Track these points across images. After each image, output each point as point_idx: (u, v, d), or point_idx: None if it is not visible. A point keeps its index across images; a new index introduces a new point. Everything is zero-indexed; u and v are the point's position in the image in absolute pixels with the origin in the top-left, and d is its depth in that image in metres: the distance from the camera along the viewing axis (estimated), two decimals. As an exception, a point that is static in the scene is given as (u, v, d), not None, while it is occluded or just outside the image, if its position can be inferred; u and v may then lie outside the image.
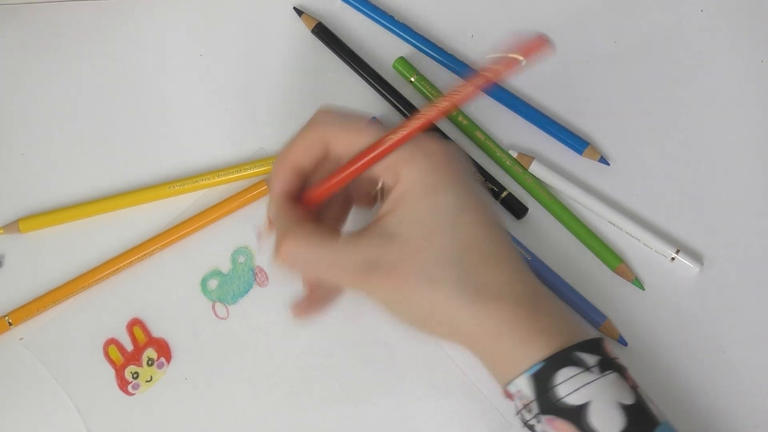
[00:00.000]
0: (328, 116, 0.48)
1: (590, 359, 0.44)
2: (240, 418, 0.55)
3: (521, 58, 0.39)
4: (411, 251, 0.45)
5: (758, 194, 0.57)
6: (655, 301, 0.55)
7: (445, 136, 0.58)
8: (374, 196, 0.50)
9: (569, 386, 0.43)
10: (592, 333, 0.47)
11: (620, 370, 0.45)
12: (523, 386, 0.44)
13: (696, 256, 0.56)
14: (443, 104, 0.43)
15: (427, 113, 0.44)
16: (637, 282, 0.55)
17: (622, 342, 0.54)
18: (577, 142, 0.57)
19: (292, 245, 0.46)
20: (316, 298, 0.50)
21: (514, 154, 0.57)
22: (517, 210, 0.57)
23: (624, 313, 0.55)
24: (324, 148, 0.48)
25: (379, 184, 0.48)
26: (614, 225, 0.56)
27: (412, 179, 0.45)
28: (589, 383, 0.43)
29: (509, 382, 0.45)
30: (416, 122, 0.44)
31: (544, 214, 0.57)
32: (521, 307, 0.45)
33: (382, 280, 0.45)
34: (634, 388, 0.45)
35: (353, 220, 0.52)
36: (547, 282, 0.55)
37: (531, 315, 0.45)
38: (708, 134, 0.58)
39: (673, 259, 0.55)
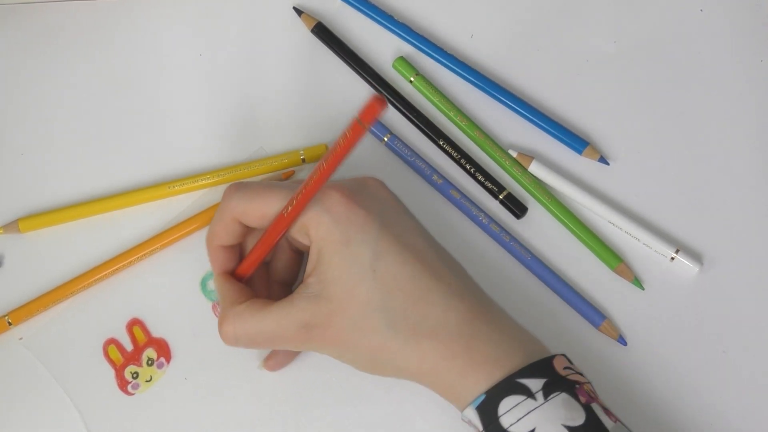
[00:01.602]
0: (236, 194, 0.49)
1: (534, 384, 0.44)
2: (240, 417, 0.55)
3: (363, 124, 0.41)
4: (337, 308, 0.46)
5: (758, 194, 0.57)
6: (654, 301, 0.55)
7: (441, 137, 0.58)
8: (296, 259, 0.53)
9: (513, 415, 0.43)
10: (545, 349, 0.47)
11: (570, 388, 0.44)
12: (472, 417, 0.45)
13: (695, 256, 0.56)
14: (323, 165, 0.44)
15: (313, 177, 0.45)
16: (637, 282, 0.55)
17: (622, 342, 0.54)
18: (577, 142, 0.57)
19: (230, 326, 0.48)
20: (280, 353, 0.54)
21: (514, 154, 0.57)
22: (517, 210, 0.57)
23: (623, 313, 0.55)
24: (240, 224, 0.50)
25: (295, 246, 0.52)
26: (614, 225, 0.56)
27: (321, 239, 0.47)
28: (533, 410, 0.43)
29: (461, 412, 0.46)
30: (306, 188, 0.46)
31: (544, 213, 0.57)
32: (455, 342, 0.46)
33: (319, 338, 0.47)
34: (588, 403, 0.44)
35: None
36: (546, 282, 0.55)
37: (467, 347, 0.45)
38: (708, 134, 0.58)
39: (672, 258, 0.55)
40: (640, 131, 0.58)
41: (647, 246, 0.56)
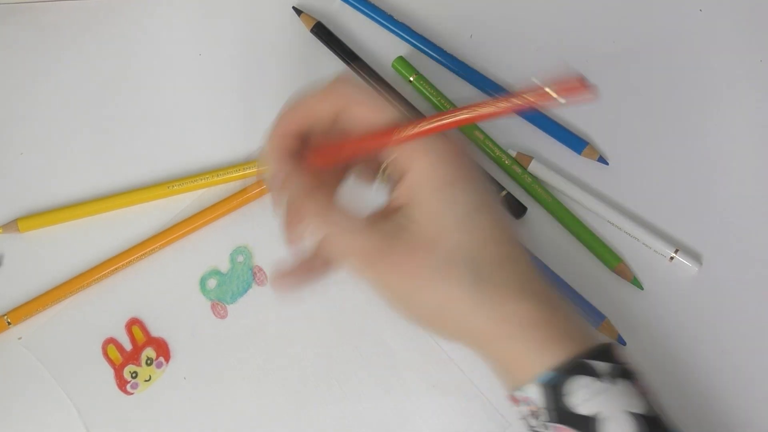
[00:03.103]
0: (351, 85, 0.45)
1: (602, 367, 0.43)
2: (239, 417, 0.55)
3: (558, 96, 0.39)
4: (426, 246, 0.43)
5: (758, 194, 0.57)
6: (653, 301, 0.55)
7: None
8: (374, 174, 0.48)
9: (580, 396, 0.42)
10: (600, 337, 0.46)
11: (631, 377, 0.44)
12: (533, 393, 0.43)
13: (695, 256, 0.56)
14: (465, 114, 0.42)
15: (451, 117, 0.43)
16: (636, 281, 0.55)
17: (621, 342, 0.54)
18: (576, 142, 0.57)
19: (313, 211, 0.44)
20: (302, 271, 0.47)
21: (513, 154, 0.57)
22: (516, 209, 0.57)
23: (623, 313, 0.55)
24: (336, 113, 0.46)
25: (384, 165, 0.46)
26: (613, 224, 0.56)
27: (425, 171, 0.44)
28: (600, 393, 0.42)
29: (517, 388, 0.44)
30: (442, 121, 0.43)
31: (543, 213, 0.57)
32: (536, 311, 0.43)
33: (395, 266, 0.43)
34: (644, 394, 0.44)
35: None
36: (546, 282, 0.55)
37: (546, 319, 0.43)
38: (707, 134, 0.58)
39: (671, 258, 0.55)
40: (639, 131, 0.58)
41: (646, 246, 0.56)
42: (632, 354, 0.54)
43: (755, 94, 0.59)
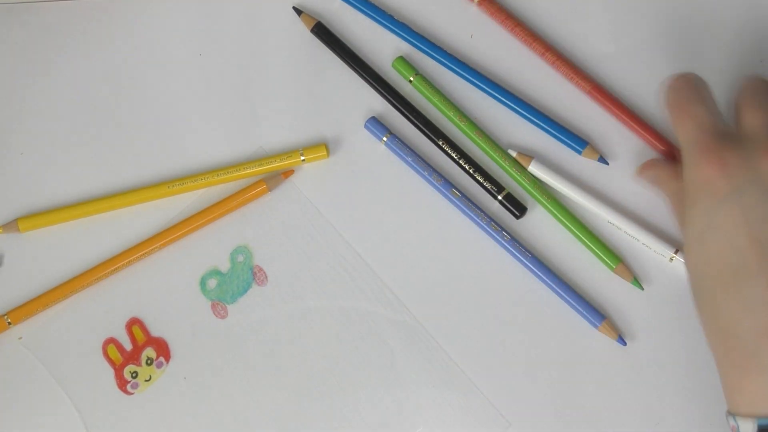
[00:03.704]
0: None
1: None
2: (239, 417, 0.55)
3: None
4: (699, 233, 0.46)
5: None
6: (654, 301, 0.55)
7: (441, 137, 0.58)
8: None
9: None
10: None
11: None
12: (746, 427, 0.43)
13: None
14: None
15: None
16: (636, 282, 0.55)
17: (621, 342, 0.54)
18: (577, 142, 0.57)
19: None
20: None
21: (513, 154, 0.57)
22: (516, 210, 0.57)
23: (623, 313, 0.55)
24: None
25: None
26: (613, 225, 0.56)
27: None
28: None
29: (733, 413, 0.44)
30: None
31: (544, 213, 0.57)
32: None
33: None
34: None
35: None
36: (546, 282, 0.55)
37: None
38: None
39: (671, 259, 0.55)
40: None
41: (647, 246, 0.56)
42: (632, 354, 0.54)
43: (755, 94, 0.59)
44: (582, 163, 0.58)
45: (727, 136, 0.47)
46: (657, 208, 0.57)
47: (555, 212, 0.56)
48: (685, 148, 0.48)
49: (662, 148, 0.57)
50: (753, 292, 0.43)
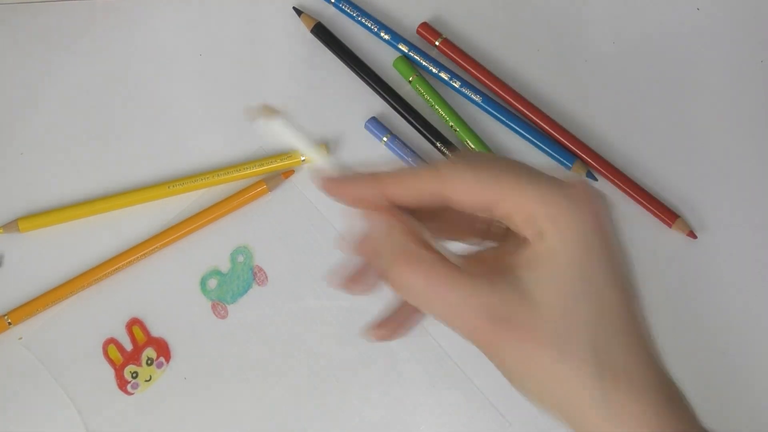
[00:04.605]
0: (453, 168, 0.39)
1: None
2: (239, 417, 0.55)
3: None
4: (546, 317, 0.38)
5: (758, 196, 0.57)
6: (655, 301, 0.55)
7: (439, 138, 0.58)
8: (484, 234, 0.43)
9: None
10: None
11: None
12: None
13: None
14: None
15: None
16: None
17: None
18: (566, 158, 0.57)
19: (412, 271, 0.38)
20: (399, 319, 0.43)
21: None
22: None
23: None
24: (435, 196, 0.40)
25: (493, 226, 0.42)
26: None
27: (561, 241, 0.38)
28: None
29: None
30: None
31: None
32: (656, 401, 0.38)
33: (508, 336, 0.38)
34: None
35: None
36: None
37: (664, 412, 0.38)
38: (707, 134, 0.58)
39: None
40: (640, 131, 0.58)
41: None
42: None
43: (755, 94, 0.59)
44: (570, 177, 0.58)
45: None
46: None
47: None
48: None
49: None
50: None
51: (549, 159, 0.58)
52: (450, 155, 0.42)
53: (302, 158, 0.58)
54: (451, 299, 0.38)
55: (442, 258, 0.39)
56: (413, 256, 0.39)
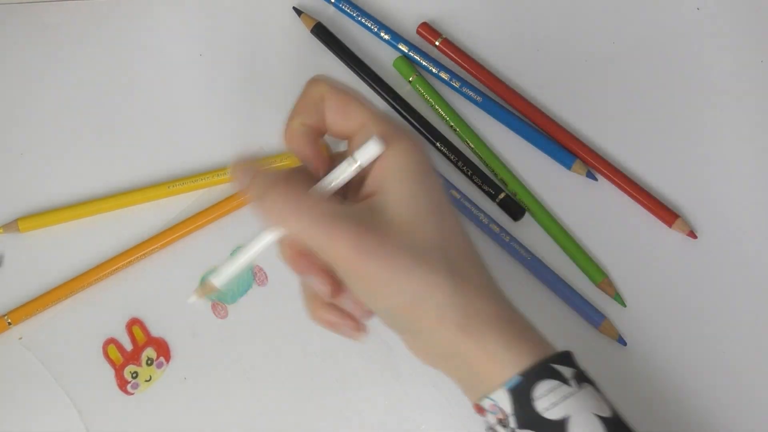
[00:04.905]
0: (319, 86, 0.45)
1: (567, 372, 0.42)
2: (239, 417, 0.55)
3: None
4: (402, 231, 0.42)
5: (759, 197, 0.57)
6: (654, 301, 0.55)
7: (439, 138, 0.58)
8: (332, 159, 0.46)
9: (549, 400, 0.41)
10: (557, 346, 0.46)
11: (593, 384, 0.44)
12: (502, 399, 0.42)
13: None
14: None
15: None
16: (618, 298, 0.55)
17: (621, 342, 0.54)
18: (566, 157, 0.57)
19: (281, 194, 0.42)
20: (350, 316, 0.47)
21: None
22: (515, 211, 0.57)
23: (623, 313, 0.55)
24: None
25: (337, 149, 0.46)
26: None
27: (397, 158, 0.43)
28: (568, 397, 0.42)
29: (485, 396, 0.43)
30: None
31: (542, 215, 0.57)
32: (502, 310, 0.43)
33: (371, 252, 0.41)
34: (607, 400, 0.44)
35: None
36: (546, 282, 0.55)
37: (511, 319, 0.43)
38: (707, 135, 0.58)
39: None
40: (640, 131, 0.58)
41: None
42: (633, 354, 0.54)
43: (755, 94, 0.59)
44: (570, 178, 0.58)
45: None
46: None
47: (543, 223, 0.56)
48: None
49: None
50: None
51: (549, 159, 0.58)
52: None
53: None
54: (317, 214, 0.41)
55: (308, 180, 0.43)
56: (283, 178, 0.42)
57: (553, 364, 0.42)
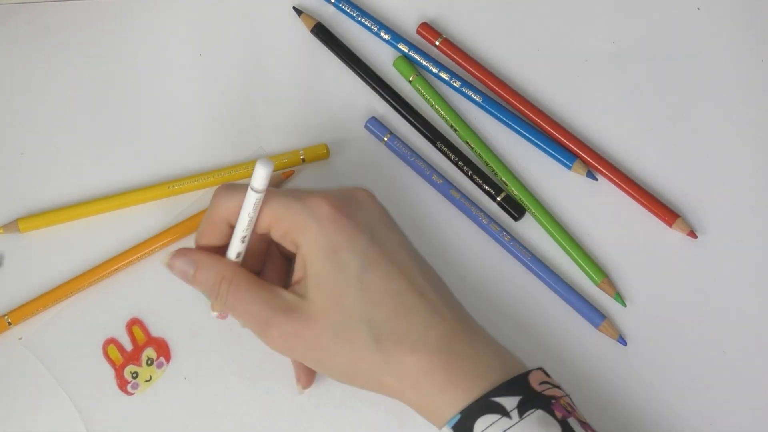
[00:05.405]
0: (225, 194, 0.50)
1: (509, 402, 0.44)
2: (239, 417, 0.55)
3: None
4: (320, 314, 0.46)
5: (759, 197, 0.57)
6: (654, 301, 0.55)
7: (439, 138, 0.58)
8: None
9: None
10: (522, 365, 0.47)
11: (546, 405, 0.44)
12: None
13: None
14: None
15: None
16: (619, 298, 0.55)
17: (622, 342, 0.54)
18: (566, 157, 0.57)
19: (233, 287, 0.49)
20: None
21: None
22: (514, 212, 0.57)
23: (623, 313, 0.55)
24: (229, 225, 0.50)
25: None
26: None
27: (309, 245, 0.47)
28: (508, 429, 0.43)
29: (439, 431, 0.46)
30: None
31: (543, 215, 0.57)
32: (436, 357, 0.45)
33: (297, 336, 0.47)
34: (565, 417, 0.44)
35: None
36: (546, 282, 0.55)
37: (446, 365, 0.45)
38: (707, 134, 0.58)
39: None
40: (640, 131, 0.58)
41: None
42: (633, 354, 0.54)
43: (755, 94, 0.59)
44: (570, 178, 0.58)
45: None
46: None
47: (544, 223, 0.56)
48: None
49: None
50: None
51: (549, 159, 0.58)
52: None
53: (302, 158, 0.58)
54: (253, 298, 0.48)
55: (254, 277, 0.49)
56: (234, 274, 0.49)
57: (495, 397, 0.44)
